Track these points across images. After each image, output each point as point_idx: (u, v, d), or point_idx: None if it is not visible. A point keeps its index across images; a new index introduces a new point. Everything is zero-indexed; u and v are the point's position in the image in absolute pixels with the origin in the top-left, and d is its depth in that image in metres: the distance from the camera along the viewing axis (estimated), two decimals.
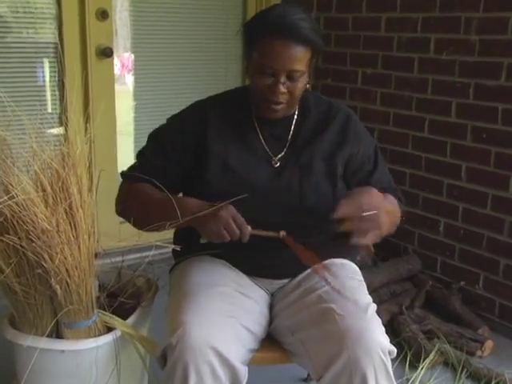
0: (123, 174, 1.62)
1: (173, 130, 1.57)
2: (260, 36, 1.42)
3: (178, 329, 1.33)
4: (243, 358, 1.41)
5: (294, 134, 1.56)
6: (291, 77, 1.43)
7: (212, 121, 1.54)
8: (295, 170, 1.53)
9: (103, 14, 2.72)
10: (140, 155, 1.61)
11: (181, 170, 1.55)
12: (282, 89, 1.44)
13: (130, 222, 1.47)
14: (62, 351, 1.46)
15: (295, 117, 1.57)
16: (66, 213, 1.38)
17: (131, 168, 1.61)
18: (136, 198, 1.51)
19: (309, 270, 1.57)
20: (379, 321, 1.41)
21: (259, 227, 1.47)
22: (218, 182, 1.50)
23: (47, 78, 2.76)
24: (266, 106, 1.48)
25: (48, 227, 1.33)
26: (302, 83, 1.46)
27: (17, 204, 1.33)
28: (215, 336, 1.33)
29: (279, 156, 1.55)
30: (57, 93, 2.74)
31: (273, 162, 1.54)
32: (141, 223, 1.46)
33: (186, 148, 1.54)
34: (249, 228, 1.38)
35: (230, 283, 1.51)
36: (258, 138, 1.55)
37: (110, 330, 1.52)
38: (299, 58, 1.41)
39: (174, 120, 1.60)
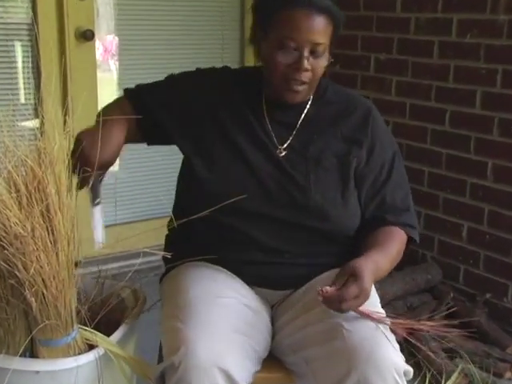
0: (125, 89, 1.71)
1: (192, 80, 1.65)
2: (280, 7, 1.45)
3: (180, 347, 1.32)
4: (249, 380, 1.41)
5: (304, 121, 1.58)
6: (314, 51, 1.46)
7: (224, 90, 1.59)
8: (301, 160, 1.55)
9: None
10: (147, 84, 1.69)
11: (176, 122, 1.60)
12: (307, 64, 1.46)
13: None
14: (37, 372, 1.46)
15: (308, 105, 1.59)
16: (43, 216, 1.38)
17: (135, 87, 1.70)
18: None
19: (313, 281, 1.58)
20: (393, 338, 1.42)
21: (260, 220, 1.49)
22: (221, 157, 1.53)
23: (19, 64, 2.77)
24: (287, 88, 1.50)
25: (22, 232, 1.34)
26: (324, 61, 1.49)
27: None
28: (223, 355, 1.33)
29: (285, 144, 1.57)
30: (31, 81, 2.75)
31: (278, 151, 1.56)
32: None
33: (192, 101, 1.59)
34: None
35: (234, 294, 1.52)
36: (264, 122, 1.57)
37: (91, 347, 1.52)
38: (322, 29, 1.45)
39: (198, 72, 1.67)
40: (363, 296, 1.37)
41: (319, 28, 1.45)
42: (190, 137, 1.58)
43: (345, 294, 1.35)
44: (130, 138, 1.60)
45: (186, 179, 1.62)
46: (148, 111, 1.61)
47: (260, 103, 1.59)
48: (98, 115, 1.59)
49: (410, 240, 1.63)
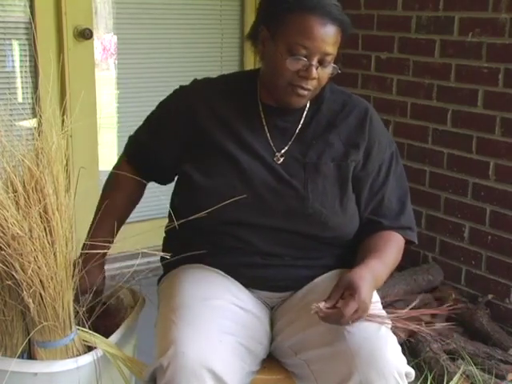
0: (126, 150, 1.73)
1: (172, 109, 1.62)
2: (294, 10, 1.42)
3: (168, 348, 1.33)
4: (243, 381, 1.42)
5: (303, 126, 1.57)
6: (323, 61, 1.45)
7: (212, 105, 1.56)
8: (299, 167, 1.54)
9: None
10: (140, 129, 1.70)
11: (177, 151, 1.59)
12: (315, 74, 1.45)
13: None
14: (35, 374, 1.45)
15: (306, 107, 1.58)
16: (41, 216, 1.38)
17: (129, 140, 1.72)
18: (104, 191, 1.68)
19: (314, 282, 1.58)
20: (395, 339, 1.42)
21: (258, 229, 1.48)
22: (217, 170, 1.52)
23: (17, 63, 2.77)
24: (291, 92, 1.48)
25: (19, 233, 1.34)
26: (330, 70, 1.48)
27: None
28: (211, 356, 1.33)
29: (283, 151, 1.56)
30: (29, 80, 2.75)
31: (275, 158, 1.55)
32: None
33: (187, 133, 1.57)
34: None
35: (227, 296, 1.52)
36: (262, 129, 1.56)
37: (90, 349, 1.52)
38: (334, 39, 1.45)
39: (173, 97, 1.65)
40: (362, 309, 1.37)
41: (331, 38, 1.43)
42: (191, 157, 1.56)
43: (344, 311, 1.34)
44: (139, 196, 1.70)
45: (183, 192, 1.60)
46: (155, 162, 1.65)
47: (257, 110, 1.57)
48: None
49: (408, 241, 1.63)
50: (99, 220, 1.57)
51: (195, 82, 1.66)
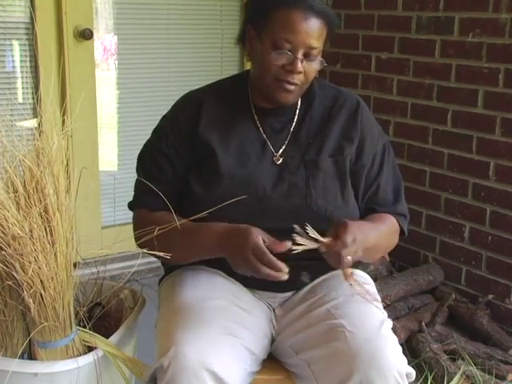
0: (131, 205, 1.63)
1: (169, 133, 1.57)
2: (277, 6, 1.44)
3: (169, 349, 1.33)
4: (243, 381, 1.42)
5: (298, 124, 1.58)
6: (308, 55, 1.46)
7: (207, 114, 1.55)
8: (300, 166, 1.54)
9: None
10: (141, 173, 1.61)
11: (187, 172, 1.57)
12: (300, 67, 1.46)
13: (157, 257, 1.48)
14: (36, 374, 1.46)
15: (298, 105, 1.58)
16: (41, 217, 1.38)
17: (137, 193, 1.63)
18: (160, 234, 1.46)
19: (315, 282, 1.58)
20: (395, 339, 1.42)
21: None
22: (215, 183, 1.51)
23: (17, 64, 2.77)
24: (278, 87, 1.48)
25: (20, 233, 1.34)
26: (317, 64, 1.49)
27: None
28: (212, 357, 1.33)
29: (281, 150, 1.56)
30: (29, 80, 2.75)
31: (274, 158, 1.55)
32: (172, 259, 1.45)
33: (187, 148, 1.55)
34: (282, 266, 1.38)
35: (228, 296, 1.52)
36: (258, 132, 1.56)
37: (90, 349, 1.53)
38: (318, 33, 1.45)
39: (167, 120, 1.61)
40: (358, 241, 1.38)
41: (315, 32, 1.45)
42: (193, 168, 1.55)
43: (344, 238, 1.36)
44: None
45: (185, 202, 1.57)
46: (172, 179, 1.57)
47: (250, 113, 1.57)
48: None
49: (400, 233, 1.65)
50: (186, 229, 1.47)
51: (190, 94, 1.62)
